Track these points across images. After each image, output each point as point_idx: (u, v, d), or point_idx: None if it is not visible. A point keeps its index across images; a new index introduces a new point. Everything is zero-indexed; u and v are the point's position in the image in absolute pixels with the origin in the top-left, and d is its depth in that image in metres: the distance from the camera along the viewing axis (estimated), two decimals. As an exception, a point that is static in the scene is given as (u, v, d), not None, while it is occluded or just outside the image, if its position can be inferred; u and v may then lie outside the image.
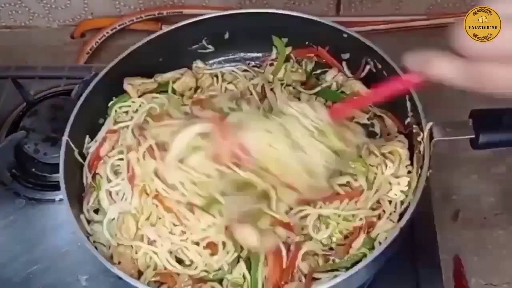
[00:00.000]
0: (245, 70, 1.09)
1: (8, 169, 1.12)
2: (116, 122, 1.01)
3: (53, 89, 1.22)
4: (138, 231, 0.89)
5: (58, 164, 0.91)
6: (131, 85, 1.03)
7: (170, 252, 0.88)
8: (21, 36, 1.41)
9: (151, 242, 0.88)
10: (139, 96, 1.03)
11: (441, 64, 0.62)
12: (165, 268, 0.87)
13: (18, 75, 1.22)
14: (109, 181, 0.95)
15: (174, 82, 1.05)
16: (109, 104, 1.03)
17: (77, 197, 0.94)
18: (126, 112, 1.03)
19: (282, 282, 0.84)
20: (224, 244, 0.87)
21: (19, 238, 1.06)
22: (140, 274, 0.89)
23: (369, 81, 1.02)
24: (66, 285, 1.00)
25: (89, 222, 0.93)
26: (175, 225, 0.88)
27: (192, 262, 0.88)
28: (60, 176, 0.90)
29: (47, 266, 1.02)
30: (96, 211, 0.95)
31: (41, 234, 1.06)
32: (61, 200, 0.92)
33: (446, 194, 1.10)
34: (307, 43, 1.06)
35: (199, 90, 1.07)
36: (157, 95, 1.04)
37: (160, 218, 0.89)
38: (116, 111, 1.02)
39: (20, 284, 1.01)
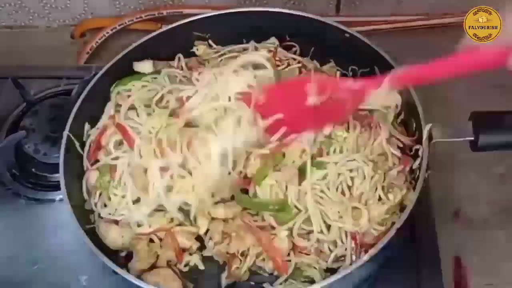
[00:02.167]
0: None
1: (8, 169, 1.12)
2: (117, 105, 1.01)
3: (53, 89, 1.22)
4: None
5: (58, 164, 0.91)
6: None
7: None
8: (21, 36, 1.41)
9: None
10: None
11: None
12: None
13: (18, 75, 1.22)
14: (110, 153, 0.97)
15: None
16: (111, 88, 1.03)
17: (77, 194, 0.95)
18: (128, 96, 1.02)
19: None
20: None
21: (19, 238, 1.05)
22: (149, 270, 0.91)
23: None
24: (66, 285, 1.00)
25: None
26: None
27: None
28: (60, 170, 0.91)
29: (47, 266, 1.02)
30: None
31: (41, 234, 1.05)
32: (61, 200, 0.92)
33: (446, 194, 1.10)
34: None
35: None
36: (155, 75, 1.04)
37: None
38: (118, 92, 1.03)
39: (20, 284, 1.01)
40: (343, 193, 0.90)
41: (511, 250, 1.05)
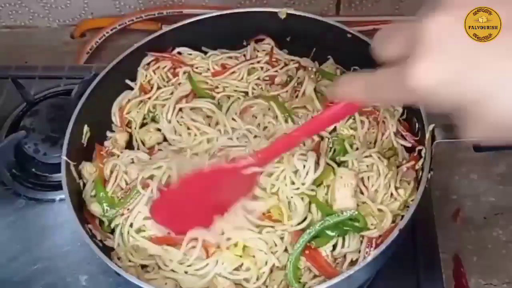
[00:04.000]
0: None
1: (8, 169, 1.12)
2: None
3: (53, 89, 1.22)
4: None
5: (58, 164, 0.91)
6: None
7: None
8: (21, 36, 1.41)
9: None
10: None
11: (349, 84, 0.64)
12: None
13: (18, 75, 1.22)
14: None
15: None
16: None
17: (78, 194, 0.94)
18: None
19: None
20: None
21: (19, 238, 1.05)
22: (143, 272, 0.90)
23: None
24: (66, 285, 1.00)
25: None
26: None
27: None
28: (62, 170, 0.90)
29: (47, 266, 1.02)
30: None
31: (41, 234, 1.06)
32: (61, 200, 0.92)
33: (446, 194, 1.10)
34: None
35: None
36: None
37: None
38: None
39: (20, 284, 1.01)
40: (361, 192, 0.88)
41: (511, 250, 1.05)
